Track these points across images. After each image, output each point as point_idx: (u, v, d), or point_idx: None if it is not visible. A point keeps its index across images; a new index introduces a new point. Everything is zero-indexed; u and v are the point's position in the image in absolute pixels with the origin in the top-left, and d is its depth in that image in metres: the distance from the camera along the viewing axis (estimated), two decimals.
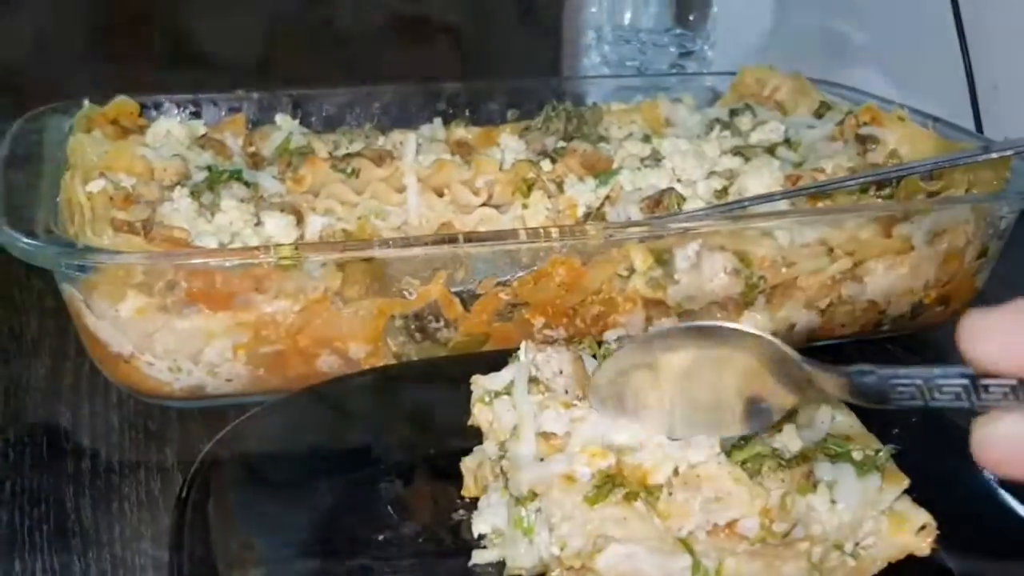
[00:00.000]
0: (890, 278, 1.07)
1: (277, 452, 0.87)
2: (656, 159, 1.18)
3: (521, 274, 0.99)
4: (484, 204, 1.15)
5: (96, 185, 1.01)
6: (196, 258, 0.92)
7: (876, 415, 0.74)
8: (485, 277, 0.98)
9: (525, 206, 1.14)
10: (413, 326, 0.99)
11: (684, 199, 1.08)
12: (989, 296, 1.17)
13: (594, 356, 0.82)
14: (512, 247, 0.98)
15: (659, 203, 1.07)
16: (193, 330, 0.94)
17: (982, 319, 0.56)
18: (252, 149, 1.24)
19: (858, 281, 1.07)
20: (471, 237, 0.98)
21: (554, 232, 0.97)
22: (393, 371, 0.98)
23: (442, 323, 0.99)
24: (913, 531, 0.76)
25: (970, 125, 1.52)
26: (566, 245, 0.98)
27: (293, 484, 0.84)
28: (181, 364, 0.95)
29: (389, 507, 0.82)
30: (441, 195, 1.15)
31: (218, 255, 0.93)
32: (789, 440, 0.75)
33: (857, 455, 0.75)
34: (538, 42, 2.20)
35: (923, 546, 0.76)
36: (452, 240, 0.97)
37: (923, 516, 0.76)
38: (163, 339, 0.94)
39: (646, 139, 1.25)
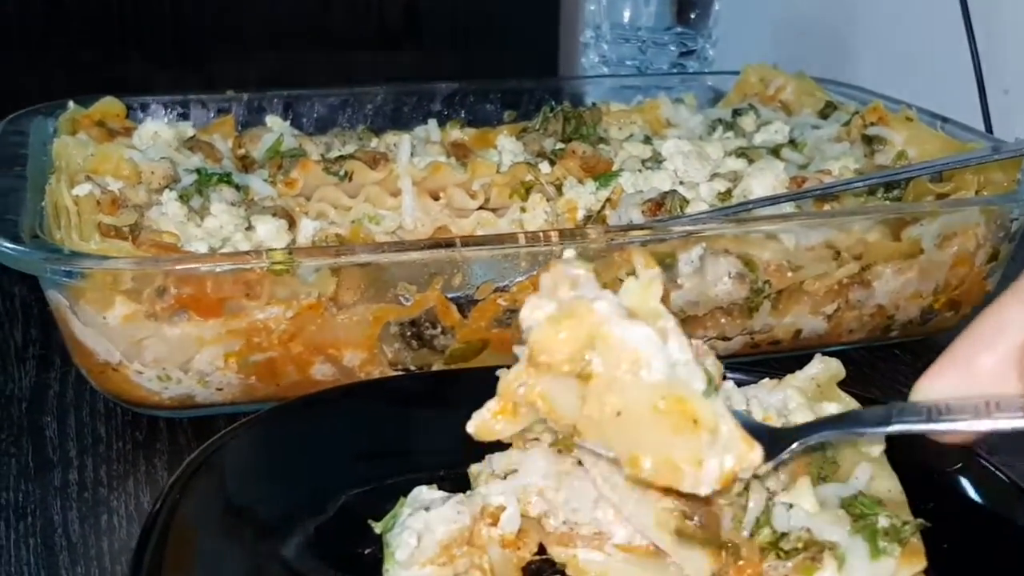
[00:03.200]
0: (899, 282, 1.08)
1: (262, 467, 0.86)
2: (657, 161, 1.19)
3: (520, 279, 0.98)
4: (481, 207, 1.15)
5: (82, 189, 1.01)
6: (186, 263, 0.92)
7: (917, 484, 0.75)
8: (483, 282, 0.99)
9: (523, 209, 1.14)
10: (409, 333, 0.99)
11: (687, 201, 1.08)
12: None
13: None
14: (511, 251, 0.98)
15: (661, 206, 1.07)
16: (183, 337, 0.94)
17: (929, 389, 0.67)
18: (242, 152, 1.25)
19: (866, 286, 1.07)
20: (469, 241, 0.98)
21: (554, 236, 0.98)
22: (393, 382, 0.98)
23: (439, 330, 0.99)
24: None
25: (980, 127, 1.51)
26: (566, 249, 0.97)
27: (279, 503, 0.83)
28: (170, 373, 0.95)
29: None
30: (436, 198, 1.15)
31: (209, 260, 0.93)
32: (802, 498, 0.73)
33: (883, 522, 0.72)
34: (535, 40, 2.21)
35: None
36: (449, 244, 0.97)
37: None
38: (152, 347, 0.93)
39: (647, 140, 1.26)
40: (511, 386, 0.71)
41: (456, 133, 1.31)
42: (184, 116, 1.31)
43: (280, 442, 0.87)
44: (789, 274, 1.04)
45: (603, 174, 1.17)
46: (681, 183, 1.14)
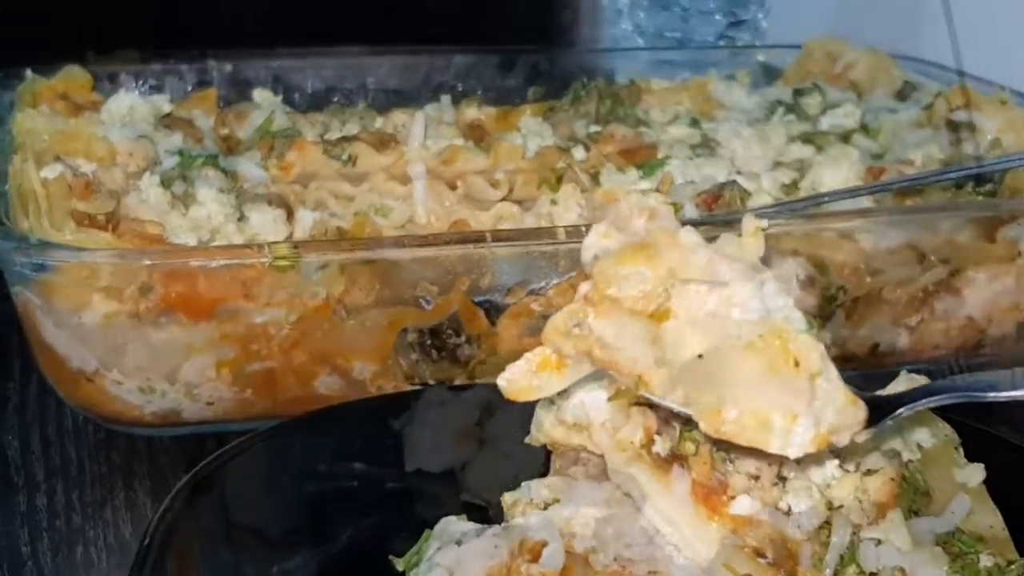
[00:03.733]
0: (992, 290, 1.11)
1: (262, 494, 0.89)
2: (709, 147, 1.21)
3: (558, 281, 1.01)
4: (504, 199, 1.17)
5: (52, 171, 1.03)
6: (175, 258, 0.95)
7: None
8: (515, 285, 1.01)
9: (554, 201, 1.16)
10: (429, 342, 1.01)
11: (748, 194, 1.11)
12: None
13: None
14: (548, 248, 1.01)
15: (718, 198, 1.10)
16: (170, 343, 0.97)
17: None
18: (226, 131, 1.27)
19: (954, 293, 1.10)
20: (500, 236, 1.01)
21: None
22: (407, 398, 1.00)
23: (463, 338, 1.03)
24: None
25: None
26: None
27: (283, 536, 0.86)
28: (155, 384, 0.98)
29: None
30: (453, 187, 1.17)
31: (202, 255, 0.96)
32: (894, 533, 0.76)
33: (986, 561, 0.75)
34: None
35: None
36: (479, 240, 1.00)
37: None
38: (134, 353, 0.96)
39: (694, 123, 1.29)
40: (561, 328, 0.71)
41: (473, 112, 1.33)
42: (157, 89, 1.34)
43: (283, 464, 0.90)
44: (867, 279, 1.07)
45: (647, 161, 1.20)
46: (739, 173, 1.17)
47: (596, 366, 0.71)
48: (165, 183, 1.09)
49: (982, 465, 0.83)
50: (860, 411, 0.67)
